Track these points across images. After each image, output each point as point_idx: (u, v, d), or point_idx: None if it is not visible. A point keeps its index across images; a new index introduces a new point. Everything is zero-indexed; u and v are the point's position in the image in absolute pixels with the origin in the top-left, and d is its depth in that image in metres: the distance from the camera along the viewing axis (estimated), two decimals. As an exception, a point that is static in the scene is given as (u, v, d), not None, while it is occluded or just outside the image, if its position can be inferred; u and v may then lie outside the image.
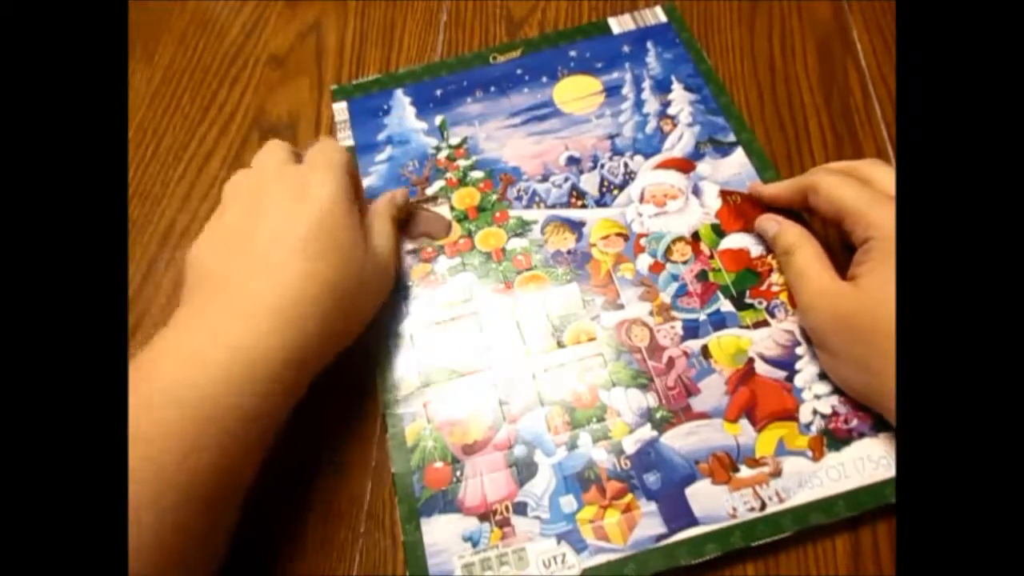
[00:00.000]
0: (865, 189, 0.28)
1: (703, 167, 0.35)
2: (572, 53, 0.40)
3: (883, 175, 0.28)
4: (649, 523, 0.26)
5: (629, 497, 0.27)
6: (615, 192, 0.35)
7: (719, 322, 0.31)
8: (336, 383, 0.29)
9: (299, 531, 0.27)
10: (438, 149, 0.37)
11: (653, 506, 0.26)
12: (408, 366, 0.31)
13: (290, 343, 0.24)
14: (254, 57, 0.41)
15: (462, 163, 0.37)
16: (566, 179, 0.36)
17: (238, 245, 0.26)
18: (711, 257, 0.33)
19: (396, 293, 0.32)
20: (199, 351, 0.22)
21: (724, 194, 0.34)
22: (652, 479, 0.27)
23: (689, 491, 0.27)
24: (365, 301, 0.29)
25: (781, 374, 0.29)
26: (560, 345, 0.31)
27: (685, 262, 0.33)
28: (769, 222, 0.31)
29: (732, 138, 0.36)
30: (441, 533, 0.27)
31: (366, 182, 0.36)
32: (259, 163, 0.29)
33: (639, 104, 0.38)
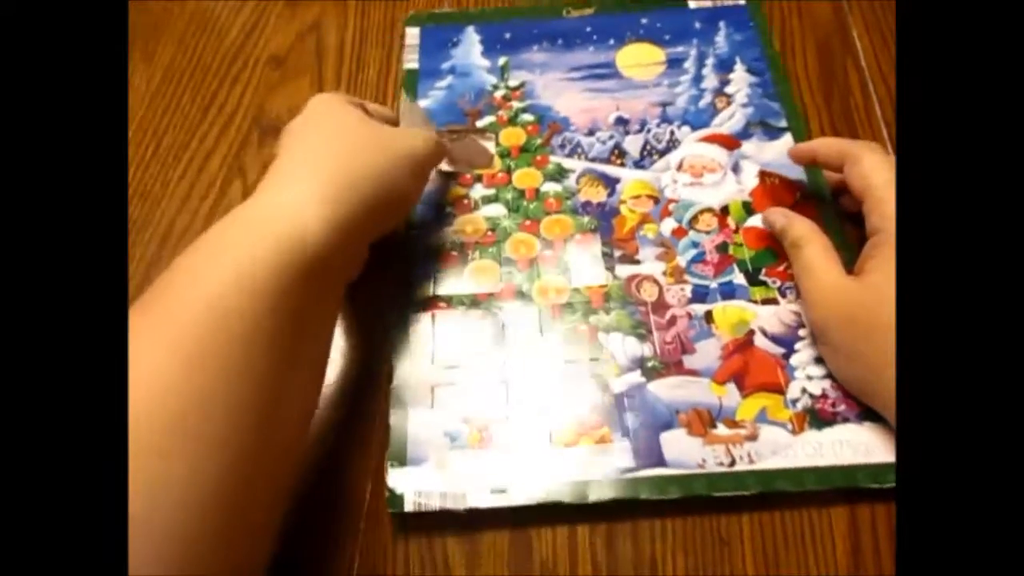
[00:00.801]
0: None
1: (748, 147, 0.36)
2: (643, 20, 0.41)
3: None
4: (619, 456, 0.27)
5: (605, 430, 0.28)
6: (655, 157, 0.36)
7: (729, 292, 0.31)
8: (336, 384, 0.30)
9: (299, 531, 0.27)
10: (496, 87, 0.39)
11: (626, 443, 0.28)
12: (426, 277, 0.33)
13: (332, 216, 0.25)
14: (254, 57, 0.40)
15: (515, 104, 0.38)
16: (611, 137, 0.37)
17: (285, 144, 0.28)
18: (735, 231, 0.33)
19: (428, 209, 0.34)
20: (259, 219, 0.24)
21: (763, 174, 0.35)
22: (631, 418, 0.28)
23: (664, 436, 0.28)
24: (399, 175, 0.28)
25: (779, 350, 0.30)
26: (572, 287, 0.32)
27: (708, 232, 0.33)
28: (776, 215, 0.31)
29: (783, 124, 0.36)
30: (424, 424, 0.29)
31: (422, 105, 0.38)
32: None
33: (698, 79, 0.38)
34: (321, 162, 0.26)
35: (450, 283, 0.32)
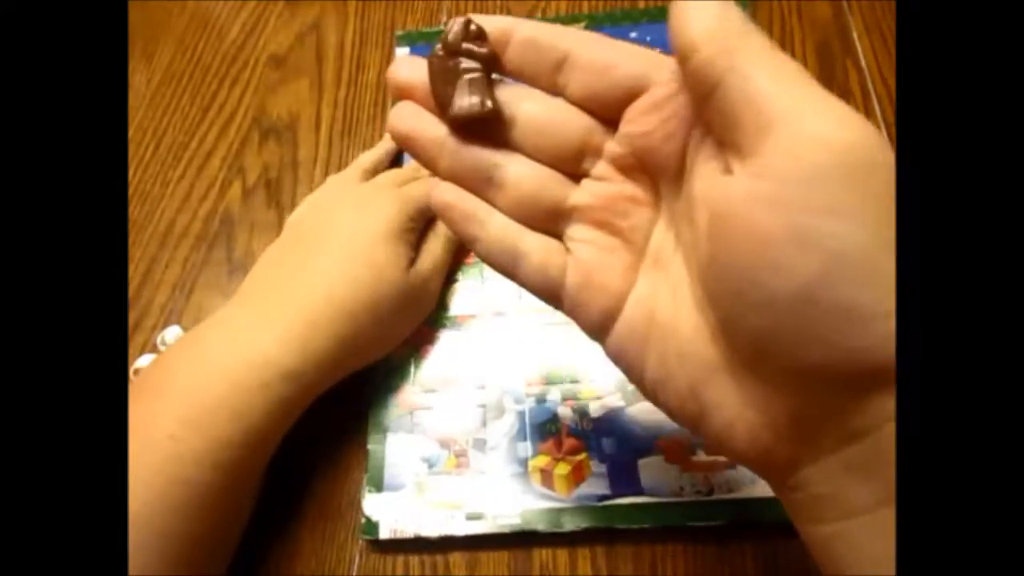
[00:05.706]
0: None
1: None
2: (632, 35, 0.40)
3: None
4: (596, 482, 0.27)
5: (583, 455, 0.28)
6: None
7: (713, 313, 0.31)
8: (336, 385, 0.30)
9: (299, 531, 0.27)
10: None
11: (603, 468, 0.27)
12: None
13: (296, 358, 0.26)
14: (254, 57, 0.41)
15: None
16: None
17: (287, 259, 0.29)
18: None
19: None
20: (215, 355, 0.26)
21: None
22: (608, 443, 0.28)
23: (642, 462, 0.27)
24: (394, 324, 0.29)
25: (762, 374, 0.29)
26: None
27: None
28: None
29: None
30: (403, 449, 0.29)
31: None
32: (330, 180, 0.32)
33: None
34: (282, 305, 0.27)
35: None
